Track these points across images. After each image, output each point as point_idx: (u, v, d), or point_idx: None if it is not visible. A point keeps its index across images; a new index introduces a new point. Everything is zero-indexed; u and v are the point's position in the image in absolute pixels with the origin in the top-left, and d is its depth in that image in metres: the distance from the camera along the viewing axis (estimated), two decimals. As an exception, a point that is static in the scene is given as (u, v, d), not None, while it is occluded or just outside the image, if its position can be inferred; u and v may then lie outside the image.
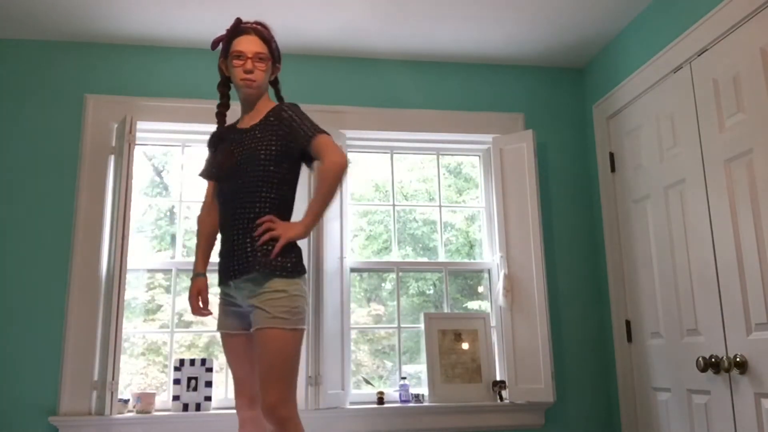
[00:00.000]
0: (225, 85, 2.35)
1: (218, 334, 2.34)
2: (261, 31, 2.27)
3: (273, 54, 2.29)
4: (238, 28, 2.26)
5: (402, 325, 3.28)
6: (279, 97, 2.37)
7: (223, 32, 2.31)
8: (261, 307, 2.03)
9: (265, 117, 2.24)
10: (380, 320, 3.35)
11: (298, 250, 2.15)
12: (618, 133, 3.19)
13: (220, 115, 2.34)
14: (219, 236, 2.29)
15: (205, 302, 2.31)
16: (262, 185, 2.15)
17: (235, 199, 2.16)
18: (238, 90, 2.28)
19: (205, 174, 2.37)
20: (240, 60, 2.22)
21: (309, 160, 2.23)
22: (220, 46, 2.31)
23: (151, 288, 3.24)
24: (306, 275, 2.14)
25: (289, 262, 2.09)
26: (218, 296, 2.28)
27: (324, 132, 2.15)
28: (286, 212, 2.21)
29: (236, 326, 2.21)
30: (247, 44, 2.22)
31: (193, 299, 2.30)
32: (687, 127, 2.66)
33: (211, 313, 2.33)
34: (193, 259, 2.39)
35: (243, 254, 2.10)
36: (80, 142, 3.08)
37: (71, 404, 2.82)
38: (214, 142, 2.35)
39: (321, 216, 2.15)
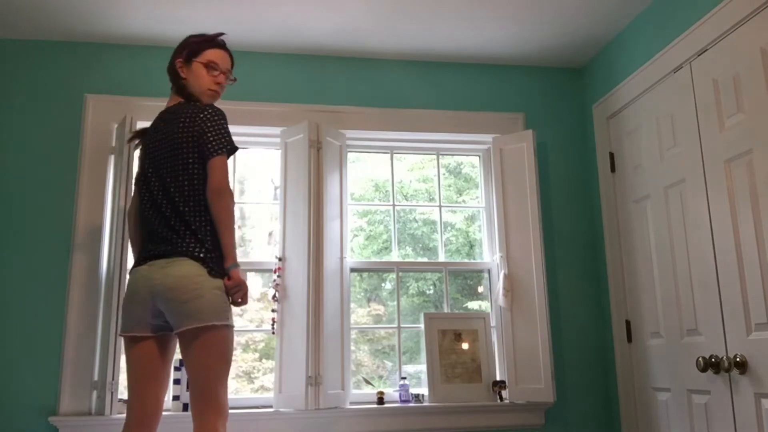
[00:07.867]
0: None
1: None
2: (230, 52, 2.47)
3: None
4: (216, 40, 2.43)
5: (402, 325, 3.28)
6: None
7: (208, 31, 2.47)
8: None
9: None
10: (380, 320, 3.35)
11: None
12: (618, 133, 3.19)
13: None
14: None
15: None
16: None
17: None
18: (198, 93, 2.37)
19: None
20: (215, 71, 2.38)
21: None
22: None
23: (151, 288, 3.23)
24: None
25: None
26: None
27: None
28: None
29: None
30: (223, 59, 2.41)
31: None
32: (687, 127, 2.66)
33: None
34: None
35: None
36: (80, 142, 3.08)
37: (71, 404, 2.82)
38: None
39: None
